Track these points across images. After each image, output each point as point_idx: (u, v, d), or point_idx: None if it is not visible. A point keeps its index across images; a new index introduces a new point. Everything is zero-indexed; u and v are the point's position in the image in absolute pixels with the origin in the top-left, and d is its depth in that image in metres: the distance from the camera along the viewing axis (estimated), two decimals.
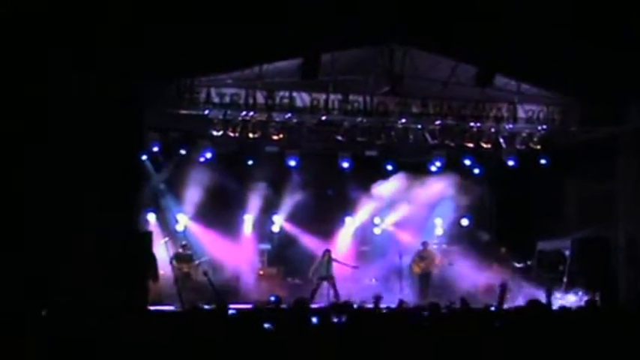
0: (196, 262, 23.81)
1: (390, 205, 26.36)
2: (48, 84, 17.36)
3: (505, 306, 15.11)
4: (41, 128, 17.54)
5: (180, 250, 23.85)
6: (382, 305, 15.04)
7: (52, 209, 17.60)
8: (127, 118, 18.45)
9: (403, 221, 26.30)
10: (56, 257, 17.31)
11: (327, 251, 23.82)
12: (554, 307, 15.56)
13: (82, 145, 17.93)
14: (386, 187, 25.82)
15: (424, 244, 24.89)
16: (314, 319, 10.92)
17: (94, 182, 17.88)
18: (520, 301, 18.90)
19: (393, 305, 15.35)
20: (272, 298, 16.75)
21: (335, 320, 11.20)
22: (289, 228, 25.96)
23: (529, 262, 25.12)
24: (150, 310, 17.79)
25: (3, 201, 17.23)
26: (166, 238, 23.62)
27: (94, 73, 17.39)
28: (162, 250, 21.84)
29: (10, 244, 16.98)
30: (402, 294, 22.78)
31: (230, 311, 11.77)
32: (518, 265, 24.99)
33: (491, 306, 14.76)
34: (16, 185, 17.33)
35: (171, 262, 22.71)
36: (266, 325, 10.25)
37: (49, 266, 17.07)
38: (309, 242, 25.39)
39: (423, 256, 24.68)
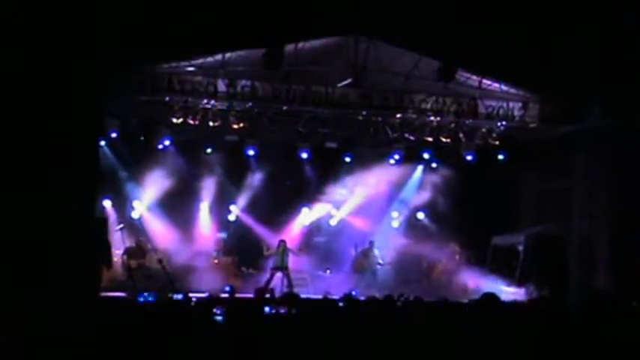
0: (147, 254, 23.72)
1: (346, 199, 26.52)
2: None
3: None
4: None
5: (134, 246, 23.76)
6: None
7: (9, 192, 17.40)
8: (85, 104, 18.26)
9: (359, 210, 26.34)
10: (10, 243, 17.09)
11: (283, 242, 23.83)
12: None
13: (39, 130, 17.73)
14: (341, 192, 26.00)
15: (370, 243, 24.96)
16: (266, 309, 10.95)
17: (49, 167, 17.68)
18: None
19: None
20: (226, 288, 16.73)
21: (283, 311, 11.22)
22: (246, 217, 25.92)
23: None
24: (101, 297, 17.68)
25: None
26: (121, 225, 23.57)
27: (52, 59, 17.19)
28: (116, 237, 21.74)
29: None
30: (356, 285, 22.97)
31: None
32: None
33: (443, 301, 14.82)
34: None
35: (122, 256, 22.70)
36: (218, 318, 10.25)
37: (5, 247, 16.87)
38: (265, 232, 25.39)
39: (366, 254, 24.73)
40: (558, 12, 19.46)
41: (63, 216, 17.63)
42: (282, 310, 11.27)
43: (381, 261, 24.58)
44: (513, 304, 13.15)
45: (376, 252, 24.81)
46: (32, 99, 17.44)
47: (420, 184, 26.56)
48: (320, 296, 14.85)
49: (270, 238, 24.87)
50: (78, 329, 9.17)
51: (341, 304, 13.25)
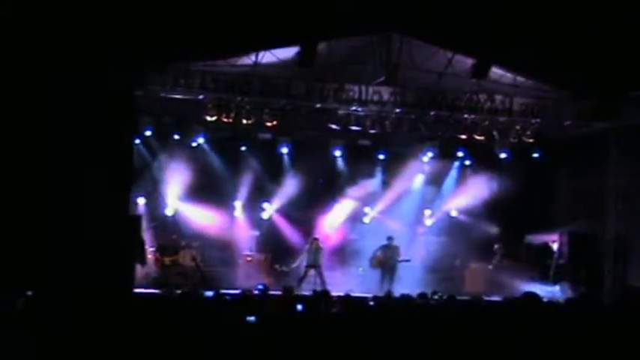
0: (181, 251, 23.80)
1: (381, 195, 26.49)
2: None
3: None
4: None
5: (167, 243, 23.89)
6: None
7: (44, 192, 17.56)
8: (120, 101, 18.39)
9: (390, 209, 26.30)
10: (46, 240, 17.26)
11: (315, 239, 23.84)
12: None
13: (76, 128, 17.88)
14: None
15: (389, 238, 24.46)
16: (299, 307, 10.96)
17: (85, 164, 17.83)
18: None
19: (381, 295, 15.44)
20: (259, 286, 16.75)
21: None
22: (278, 215, 25.95)
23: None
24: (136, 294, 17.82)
25: None
26: (155, 222, 23.74)
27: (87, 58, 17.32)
28: (150, 234, 21.88)
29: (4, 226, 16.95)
30: (391, 284, 22.95)
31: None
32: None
33: (478, 299, 14.78)
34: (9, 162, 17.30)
35: (155, 253, 22.82)
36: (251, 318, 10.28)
37: (38, 249, 17.04)
38: (298, 230, 25.38)
39: (384, 250, 24.36)
40: (595, 7, 19.28)
41: (98, 213, 17.82)
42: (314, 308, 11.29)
43: (401, 257, 24.34)
44: (550, 304, 13.09)
45: (396, 248, 24.39)
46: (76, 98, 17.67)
47: (454, 181, 26.52)
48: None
49: (304, 236, 24.86)
50: (111, 323, 9.25)
51: (371, 302, 13.28)
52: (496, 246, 25.05)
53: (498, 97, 22.50)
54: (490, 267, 24.67)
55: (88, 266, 16.67)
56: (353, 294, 14.57)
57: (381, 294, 17.32)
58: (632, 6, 18.97)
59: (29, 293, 11.01)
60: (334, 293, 14.67)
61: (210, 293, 14.23)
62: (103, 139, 18.08)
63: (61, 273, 16.25)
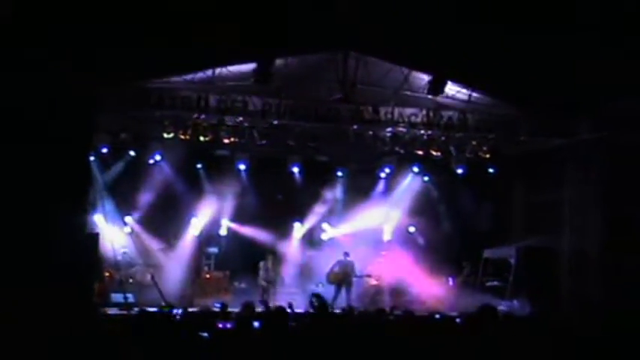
0: (132, 269, 23.60)
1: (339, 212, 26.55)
2: None
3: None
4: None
5: (119, 258, 23.69)
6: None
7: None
8: (76, 119, 18.25)
9: (348, 225, 26.38)
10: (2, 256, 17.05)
11: (271, 254, 23.83)
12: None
13: (31, 145, 17.70)
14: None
15: (345, 254, 24.48)
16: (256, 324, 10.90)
17: (42, 183, 17.65)
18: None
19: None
20: (217, 304, 16.66)
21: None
22: (237, 232, 25.86)
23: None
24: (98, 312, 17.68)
25: None
26: (125, 250, 23.54)
27: (44, 75, 17.15)
28: (108, 252, 21.76)
29: None
30: (348, 300, 22.96)
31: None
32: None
33: (436, 314, 14.85)
34: None
35: (111, 270, 22.66)
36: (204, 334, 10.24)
37: None
38: (257, 246, 25.29)
39: (341, 265, 24.33)
40: (551, 24, 19.48)
41: (54, 231, 17.64)
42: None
43: (357, 273, 24.32)
44: (508, 317, 13.18)
45: (352, 263, 24.35)
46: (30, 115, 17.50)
47: (411, 197, 26.56)
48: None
49: (262, 253, 24.74)
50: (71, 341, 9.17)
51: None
52: (464, 263, 25.18)
53: (454, 113, 22.66)
54: (453, 282, 24.78)
55: (46, 285, 16.50)
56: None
57: (336, 310, 17.33)
58: (586, 22, 19.21)
59: None
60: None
61: (178, 311, 14.16)
62: (59, 157, 17.93)
63: (19, 291, 16.06)
